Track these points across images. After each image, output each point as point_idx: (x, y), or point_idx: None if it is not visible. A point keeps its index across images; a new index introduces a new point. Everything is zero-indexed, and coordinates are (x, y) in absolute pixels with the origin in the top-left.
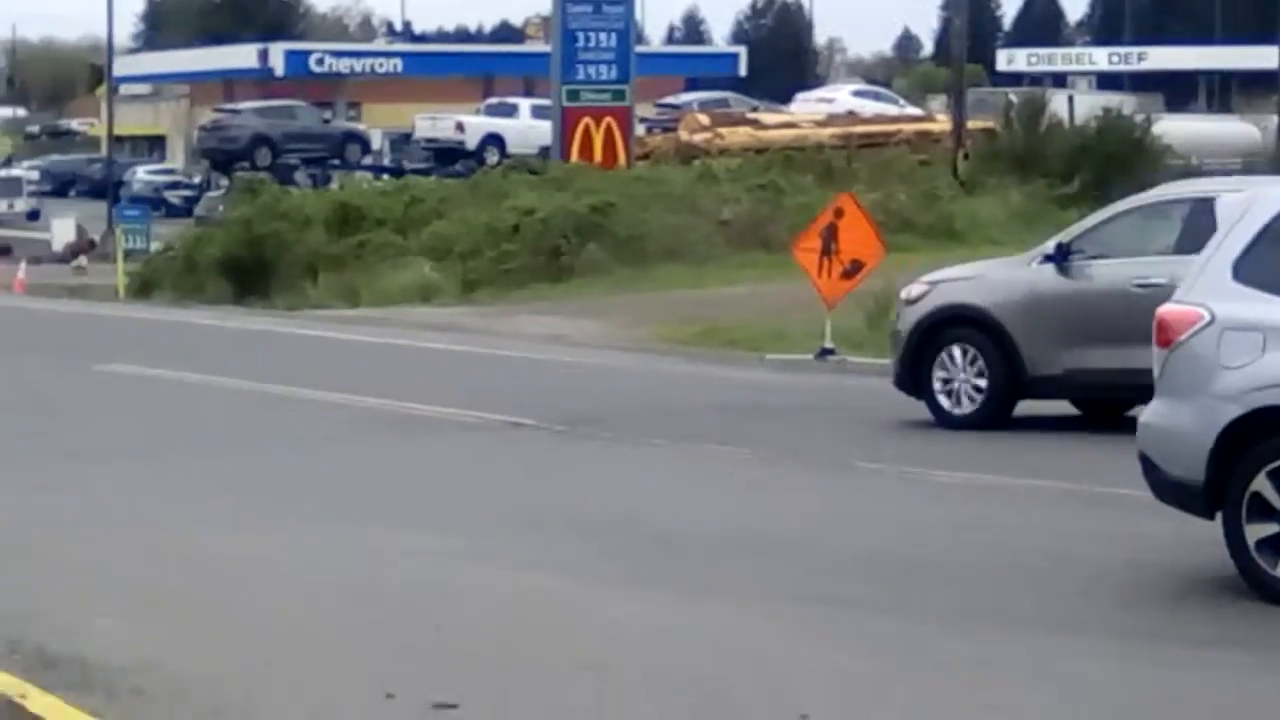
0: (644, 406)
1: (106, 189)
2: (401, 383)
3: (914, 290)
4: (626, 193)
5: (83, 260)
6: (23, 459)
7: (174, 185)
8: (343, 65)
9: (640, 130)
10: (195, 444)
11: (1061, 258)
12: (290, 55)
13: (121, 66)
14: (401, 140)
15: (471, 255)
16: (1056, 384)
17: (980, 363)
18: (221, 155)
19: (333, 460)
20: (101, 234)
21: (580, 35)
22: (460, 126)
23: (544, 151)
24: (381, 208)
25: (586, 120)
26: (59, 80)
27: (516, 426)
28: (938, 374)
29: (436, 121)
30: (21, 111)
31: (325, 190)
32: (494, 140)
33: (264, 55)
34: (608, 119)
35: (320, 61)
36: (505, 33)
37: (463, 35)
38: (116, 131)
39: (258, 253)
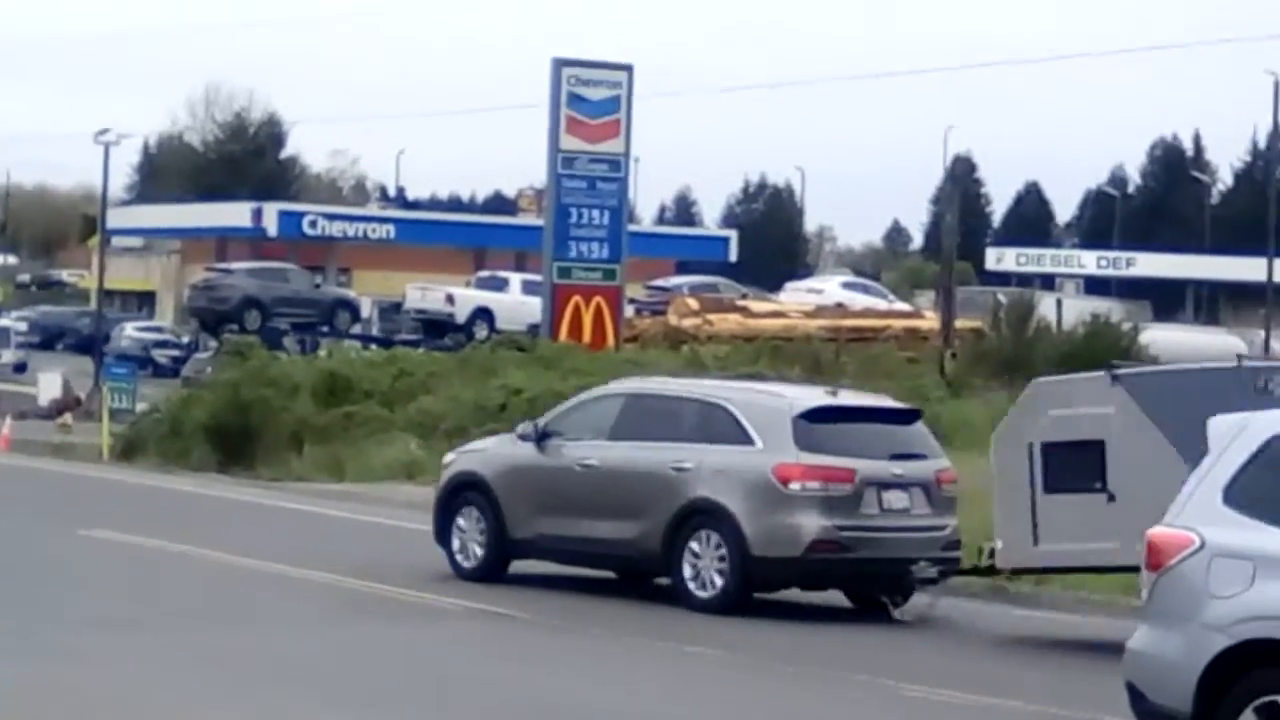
0: None
1: (94, 344)
2: (379, 563)
3: (447, 457)
4: (614, 375)
5: (68, 418)
6: (11, 625)
7: (162, 344)
8: (335, 228)
9: (630, 312)
10: (178, 617)
11: (537, 437)
12: (284, 215)
13: (114, 218)
14: (391, 309)
15: (457, 433)
16: (533, 546)
17: (483, 523)
18: (211, 315)
19: (298, 638)
20: (88, 391)
21: (573, 211)
22: (450, 299)
23: (533, 329)
24: (370, 379)
25: (577, 298)
26: (51, 229)
27: (495, 616)
28: (455, 530)
29: (427, 292)
30: (12, 259)
31: (314, 357)
32: (484, 314)
33: (257, 214)
34: (598, 298)
35: (313, 223)
36: (498, 203)
37: (456, 204)
38: (107, 285)
39: (244, 419)
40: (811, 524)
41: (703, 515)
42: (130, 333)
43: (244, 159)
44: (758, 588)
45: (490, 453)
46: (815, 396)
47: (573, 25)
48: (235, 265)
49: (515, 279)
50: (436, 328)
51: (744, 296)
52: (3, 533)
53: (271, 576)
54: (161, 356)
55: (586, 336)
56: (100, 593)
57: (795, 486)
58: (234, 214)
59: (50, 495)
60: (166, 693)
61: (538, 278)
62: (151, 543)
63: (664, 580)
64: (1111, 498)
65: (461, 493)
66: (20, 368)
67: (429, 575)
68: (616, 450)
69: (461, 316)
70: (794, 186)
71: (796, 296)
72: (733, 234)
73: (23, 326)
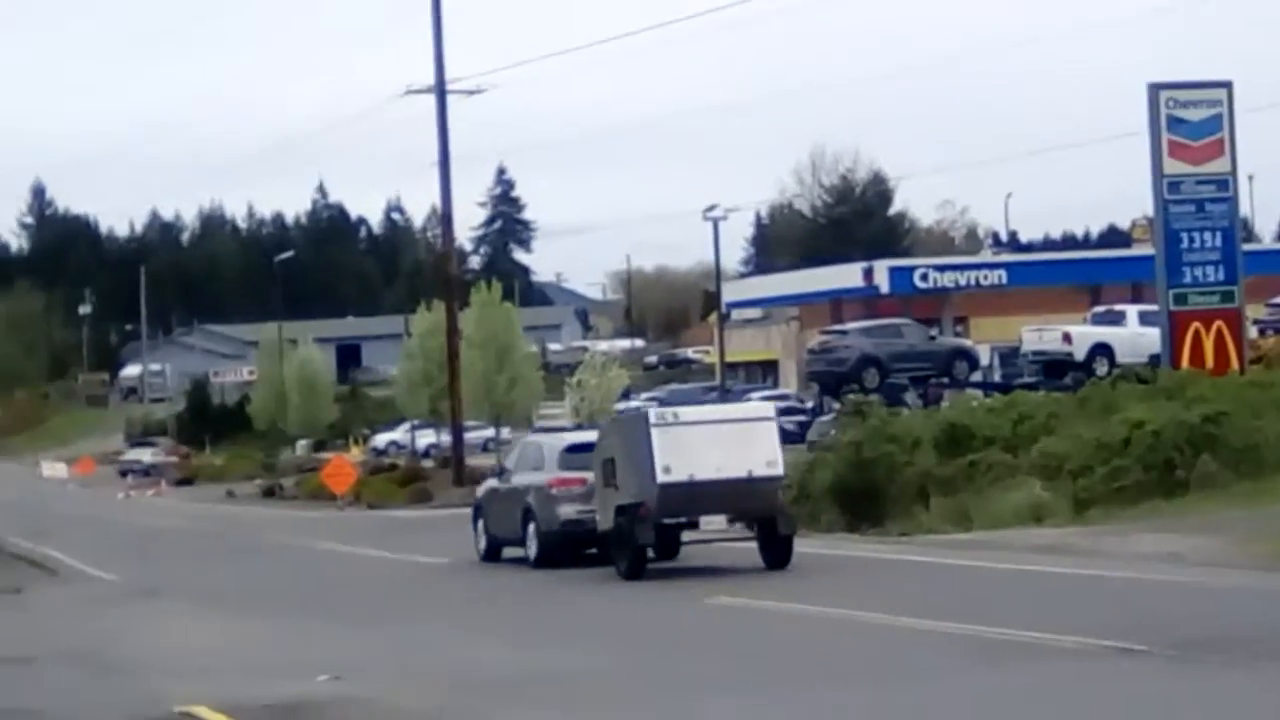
0: (1264, 629)
1: None
2: (1008, 608)
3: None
4: (1240, 400)
5: None
6: (637, 695)
7: (787, 411)
8: (947, 279)
9: (1253, 332)
10: (800, 679)
11: (498, 474)
12: (894, 272)
13: (731, 291)
14: (1009, 354)
15: (1082, 473)
16: (496, 540)
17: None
18: (830, 378)
19: (936, 692)
20: None
21: (1184, 236)
22: (1068, 338)
23: (1153, 360)
24: (990, 426)
25: (1196, 324)
26: (673, 309)
27: (1126, 653)
28: (475, 532)
29: (1043, 333)
30: (639, 342)
31: (934, 410)
32: (1102, 350)
33: (868, 274)
34: (1217, 322)
35: (925, 276)
36: (1114, 237)
37: (1070, 242)
38: (729, 358)
39: (868, 477)
40: (567, 510)
41: (528, 512)
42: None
43: (852, 220)
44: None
45: (486, 485)
46: (575, 436)
47: (1164, 49)
48: (850, 326)
49: (1132, 311)
50: (1056, 368)
51: None
52: (630, 602)
53: (894, 629)
54: (787, 423)
55: (1209, 362)
56: (715, 658)
57: (557, 490)
58: (846, 275)
59: (680, 568)
60: None
61: (1154, 308)
62: (775, 605)
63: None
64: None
65: (476, 509)
66: None
67: (1054, 615)
68: (513, 478)
69: (1080, 354)
70: None
71: None
72: None
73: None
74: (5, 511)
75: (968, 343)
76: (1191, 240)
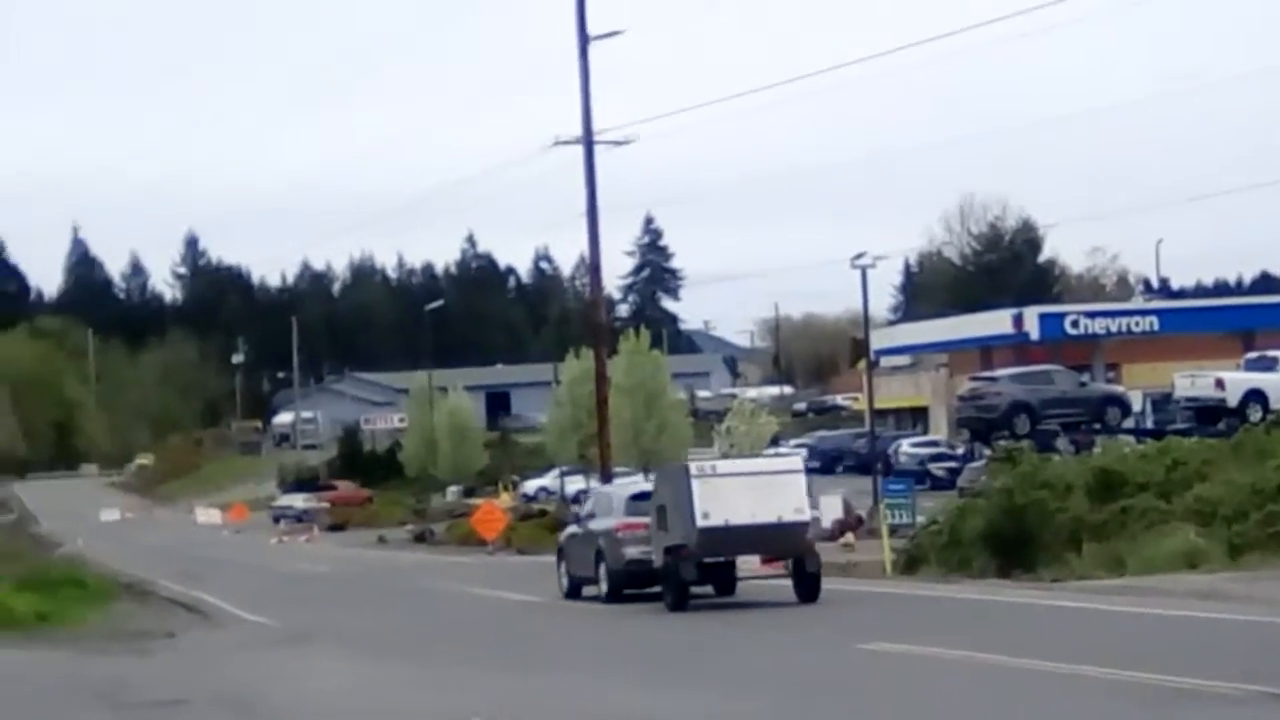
0: None
1: (871, 464)
2: (1167, 656)
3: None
4: None
5: (850, 537)
6: None
7: (937, 458)
8: (1098, 325)
9: None
10: None
11: (578, 519)
12: (1044, 318)
13: (880, 339)
14: (1162, 400)
15: (1237, 518)
16: (576, 580)
17: (564, 567)
18: (980, 424)
19: None
20: (868, 510)
21: None
22: (1220, 384)
23: None
24: (1143, 471)
25: None
26: (821, 356)
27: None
28: (557, 572)
29: (1196, 380)
30: (788, 389)
31: (1085, 456)
32: (1256, 396)
33: (1018, 320)
34: None
35: (1075, 323)
36: (1267, 283)
37: (1222, 288)
38: (879, 404)
39: (1019, 523)
40: (631, 551)
41: (600, 554)
42: (906, 449)
43: (1002, 267)
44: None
45: (567, 531)
46: (639, 486)
47: None
48: (1000, 373)
49: None
50: (1209, 414)
51: None
52: (779, 649)
53: (1051, 676)
54: (938, 470)
55: None
56: (873, 705)
57: (623, 534)
58: (996, 322)
59: (833, 613)
60: None
61: None
62: (929, 651)
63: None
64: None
65: (559, 552)
66: None
67: (1209, 660)
68: (589, 524)
69: (1233, 400)
70: None
71: None
72: None
73: (803, 453)
74: (160, 556)
75: (1119, 389)
76: None
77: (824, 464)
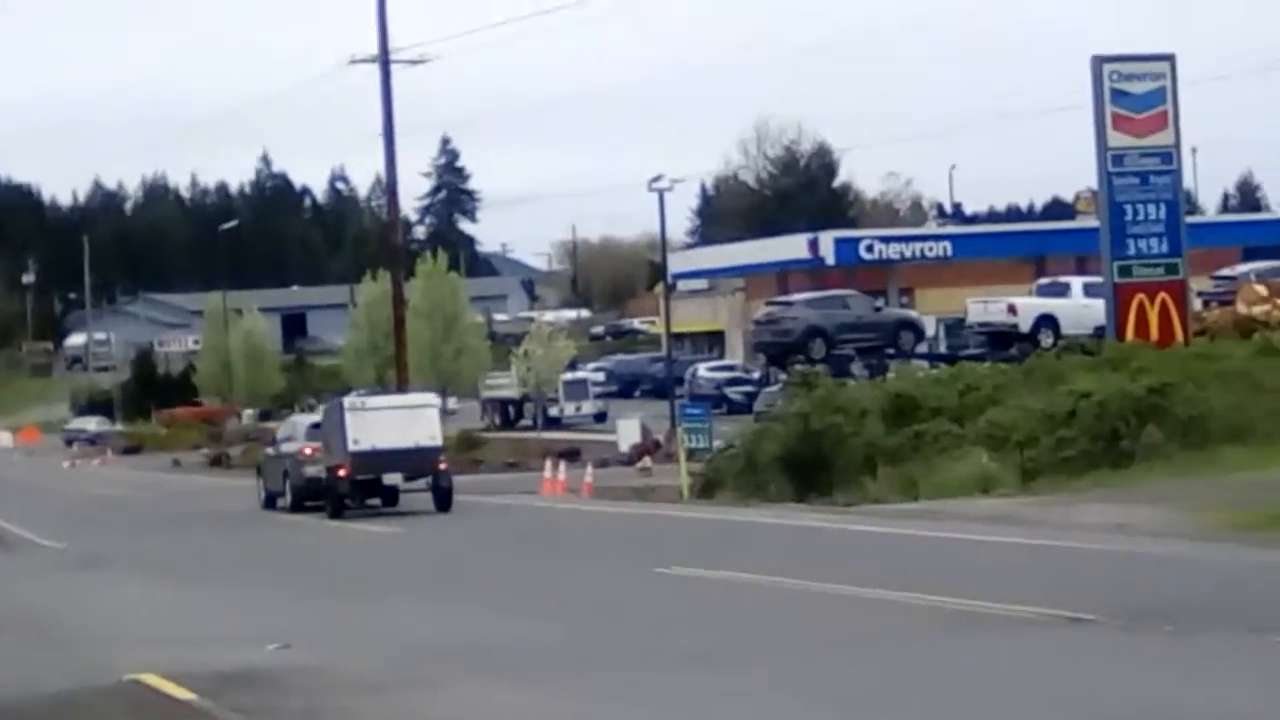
0: (1210, 598)
1: (668, 388)
2: (957, 578)
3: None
4: (1185, 371)
5: (648, 461)
6: (599, 663)
7: (734, 381)
8: (893, 250)
9: (1196, 304)
10: (761, 647)
11: (272, 443)
12: (840, 243)
13: (677, 263)
14: (955, 326)
15: (1028, 443)
16: (272, 498)
17: (263, 486)
18: (777, 349)
19: (890, 662)
20: (665, 434)
21: (1128, 208)
22: (1013, 309)
23: (1098, 331)
24: (937, 396)
25: (1140, 297)
26: (619, 280)
27: (1075, 622)
28: (257, 488)
29: (988, 305)
30: (585, 313)
31: (880, 381)
32: (1047, 321)
33: (814, 245)
34: (1162, 294)
35: (870, 248)
36: (1057, 209)
37: (1014, 214)
38: (676, 329)
39: (815, 448)
40: (310, 470)
41: (286, 473)
42: (703, 373)
43: (798, 192)
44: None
45: (264, 453)
46: (317, 417)
47: (1105, 20)
48: (796, 297)
49: (1077, 283)
50: (1001, 339)
51: None
52: (580, 575)
53: (846, 599)
54: (735, 394)
55: (1154, 334)
56: (669, 628)
57: (303, 456)
58: (792, 247)
59: (630, 537)
60: None
61: (1099, 280)
62: (728, 575)
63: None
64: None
65: (258, 469)
66: (600, 417)
67: (1002, 584)
68: (281, 448)
69: (1025, 326)
70: None
71: None
72: None
73: (600, 377)
74: None
75: (913, 314)
76: (1136, 213)
77: (621, 388)
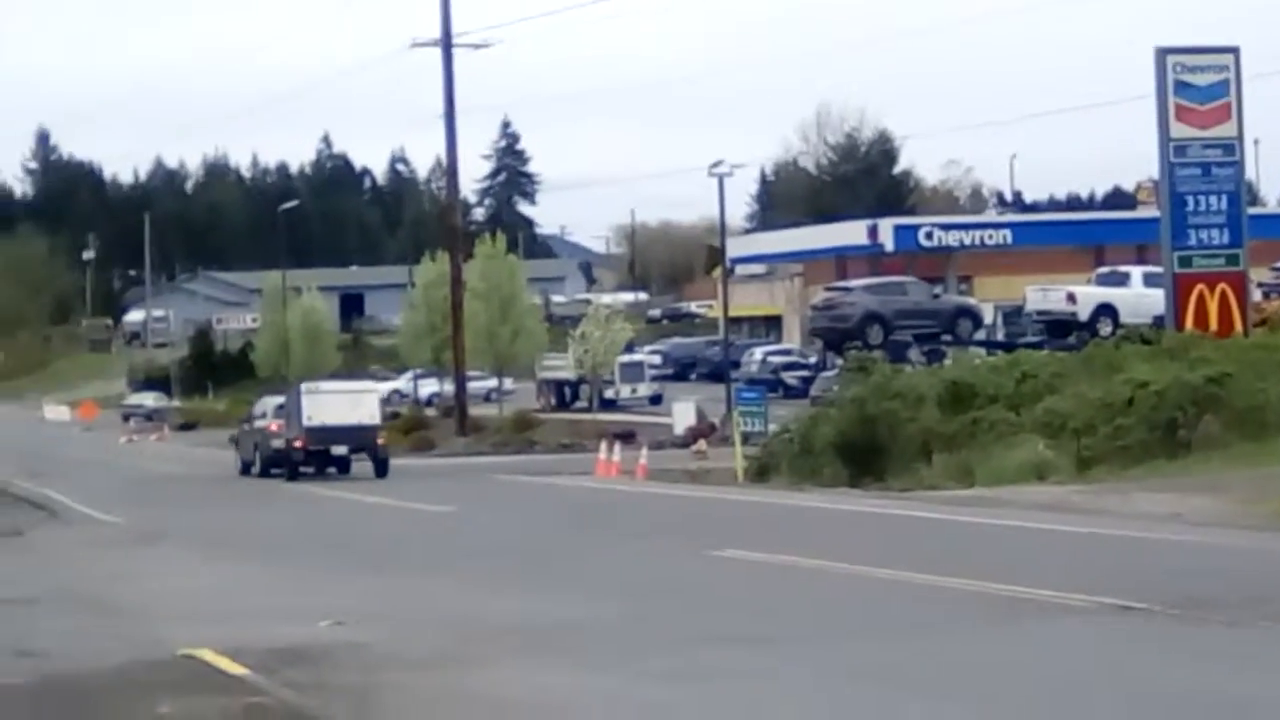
0: (1264, 588)
1: (725, 372)
2: (1011, 565)
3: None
4: (1244, 361)
5: (703, 444)
6: (642, 645)
7: (790, 366)
8: (952, 238)
9: (1256, 295)
10: (808, 631)
11: (246, 419)
12: (899, 230)
13: (736, 247)
14: (1014, 314)
15: (1085, 431)
16: (247, 466)
17: (239, 456)
18: (834, 334)
19: (939, 648)
20: (721, 417)
21: (1190, 199)
22: (1071, 298)
23: (1158, 321)
24: (993, 384)
25: (1200, 287)
26: (677, 263)
27: (1126, 610)
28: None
29: (1047, 293)
30: (642, 296)
31: (937, 368)
32: (1106, 310)
33: (873, 231)
34: (1222, 285)
35: (929, 235)
36: (1118, 199)
37: (1074, 203)
38: (733, 313)
39: (871, 433)
40: (276, 442)
41: (256, 445)
42: (759, 357)
43: (858, 178)
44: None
45: (240, 427)
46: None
47: (1171, 13)
48: (854, 283)
49: (1136, 272)
50: (1060, 328)
51: None
52: (631, 556)
53: (899, 585)
54: (791, 378)
55: (1212, 324)
56: (722, 610)
57: (271, 431)
58: (851, 233)
59: (683, 519)
60: (802, 704)
61: (1159, 270)
62: (781, 559)
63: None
64: None
65: (233, 440)
66: (656, 399)
67: (1056, 572)
68: (254, 423)
69: (1084, 314)
70: None
71: None
72: None
73: (656, 360)
74: (7, 454)
75: (972, 301)
76: (1197, 203)
77: (677, 371)
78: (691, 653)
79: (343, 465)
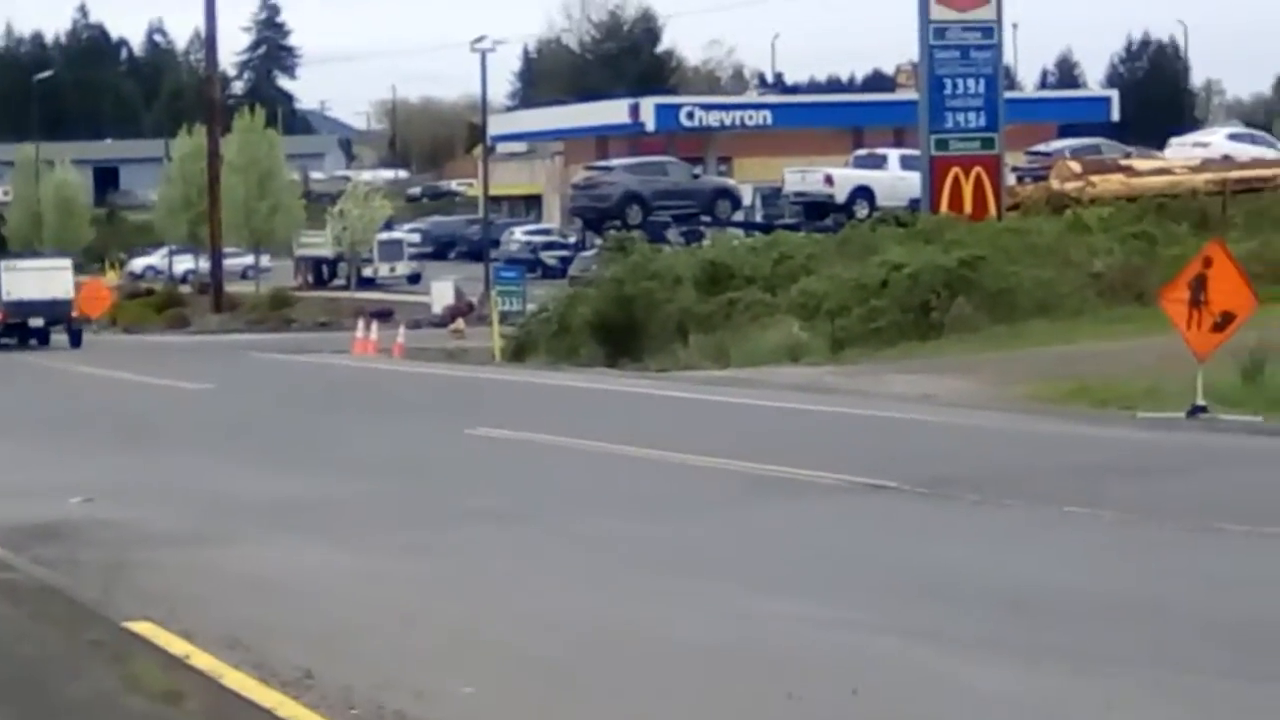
0: (1010, 468)
1: (484, 251)
2: (763, 445)
3: None
4: (996, 245)
5: (460, 324)
6: (393, 521)
7: (550, 246)
8: (713, 119)
9: (1011, 179)
10: (557, 507)
11: None
12: (660, 109)
13: (497, 125)
14: (772, 195)
15: (840, 313)
16: None
17: None
18: (593, 214)
19: (689, 523)
20: (479, 297)
21: (948, 82)
22: (829, 180)
23: (913, 204)
24: (751, 265)
25: (956, 170)
26: (438, 141)
27: (877, 489)
28: None
29: (805, 175)
30: (403, 173)
31: (696, 248)
32: (863, 193)
33: (635, 110)
34: (977, 168)
35: (690, 115)
36: (878, 82)
37: (835, 85)
38: (493, 192)
39: (629, 313)
40: None
41: None
42: (518, 237)
43: (620, 57)
44: None
45: None
46: None
47: None
48: (614, 162)
49: (893, 155)
50: (817, 209)
51: (1127, 156)
52: (386, 434)
53: (652, 463)
54: (550, 258)
55: (967, 208)
56: (474, 488)
57: None
58: (612, 112)
59: (438, 398)
60: (545, 577)
61: (916, 152)
62: (535, 438)
63: None
64: None
65: None
66: (414, 278)
67: (808, 451)
68: None
69: (841, 196)
70: (1178, 41)
71: (1182, 152)
72: (1114, 94)
73: (415, 238)
74: None
75: (731, 182)
76: (954, 86)
77: (437, 250)
78: (441, 529)
79: (42, 337)
